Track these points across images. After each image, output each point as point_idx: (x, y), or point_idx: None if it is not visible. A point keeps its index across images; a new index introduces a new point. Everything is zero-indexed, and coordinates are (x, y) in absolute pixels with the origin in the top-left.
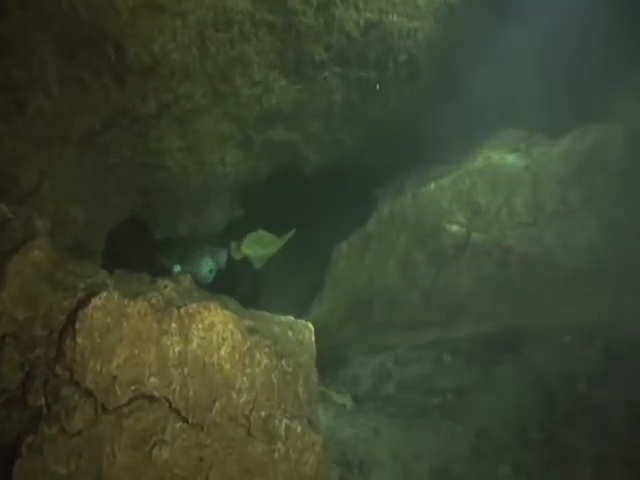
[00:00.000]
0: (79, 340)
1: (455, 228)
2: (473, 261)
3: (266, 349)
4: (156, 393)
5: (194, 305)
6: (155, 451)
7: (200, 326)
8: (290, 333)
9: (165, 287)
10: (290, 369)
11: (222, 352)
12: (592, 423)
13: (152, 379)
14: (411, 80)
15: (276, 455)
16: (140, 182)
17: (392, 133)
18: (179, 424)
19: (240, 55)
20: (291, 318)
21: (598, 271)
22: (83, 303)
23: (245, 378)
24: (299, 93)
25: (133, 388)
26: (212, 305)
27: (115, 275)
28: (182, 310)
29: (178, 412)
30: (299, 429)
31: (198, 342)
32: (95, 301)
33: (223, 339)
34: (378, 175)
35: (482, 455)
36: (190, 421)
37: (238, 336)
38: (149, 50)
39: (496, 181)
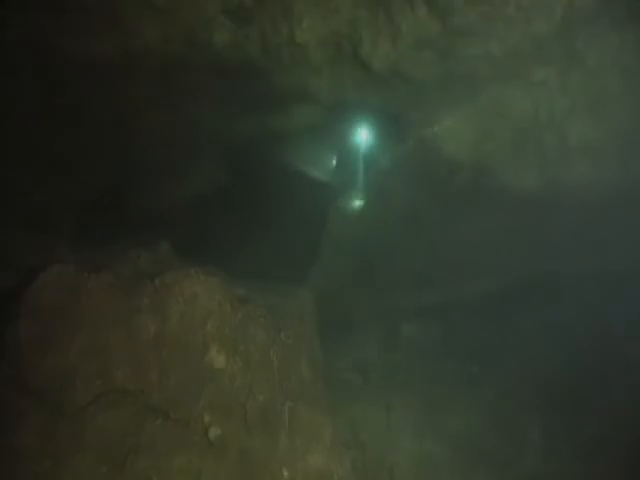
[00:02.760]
0: (24, 327)
1: (463, 173)
2: (483, 207)
3: (261, 320)
4: (129, 386)
5: (171, 273)
6: (130, 458)
7: (180, 299)
8: (288, 301)
9: (138, 257)
10: (290, 341)
11: (208, 328)
12: (626, 380)
13: (122, 368)
14: None
15: (280, 446)
16: (115, 144)
17: None
18: (159, 421)
19: None
20: (288, 285)
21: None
22: (30, 281)
23: (238, 358)
24: None
25: (99, 382)
26: (193, 271)
27: (78, 248)
28: (157, 281)
29: (157, 407)
30: (304, 413)
31: (178, 319)
32: (44, 277)
33: (209, 312)
34: None
35: (507, 422)
36: (172, 416)
37: (227, 307)
38: None
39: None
